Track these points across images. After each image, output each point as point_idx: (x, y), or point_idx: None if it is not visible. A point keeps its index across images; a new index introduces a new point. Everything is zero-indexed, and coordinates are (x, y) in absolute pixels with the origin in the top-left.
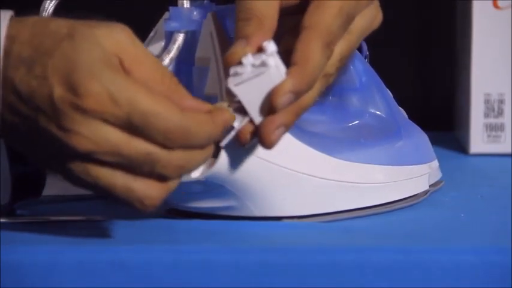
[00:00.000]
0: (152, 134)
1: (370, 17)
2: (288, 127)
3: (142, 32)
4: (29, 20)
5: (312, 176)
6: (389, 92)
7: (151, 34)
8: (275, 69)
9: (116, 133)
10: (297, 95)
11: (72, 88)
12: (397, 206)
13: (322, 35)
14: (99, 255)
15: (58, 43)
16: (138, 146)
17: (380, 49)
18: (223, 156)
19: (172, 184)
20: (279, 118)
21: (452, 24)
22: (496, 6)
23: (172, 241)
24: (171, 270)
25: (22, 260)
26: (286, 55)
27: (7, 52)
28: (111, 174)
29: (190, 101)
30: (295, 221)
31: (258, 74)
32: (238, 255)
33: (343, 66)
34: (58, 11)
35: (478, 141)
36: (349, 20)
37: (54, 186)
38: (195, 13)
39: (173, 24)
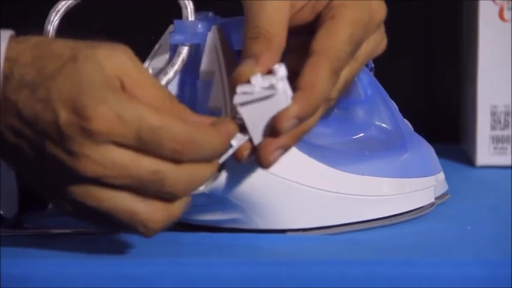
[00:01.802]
0: (162, 148)
1: (375, 43)
2: (286, 149)
3: (147, 45)
4: (30, 41)
5: (317, 188)
6: (394, 104)
7: (156, 47)
8: (283, 93)
9: (124, 154)
10: (301, 120)
11: (79, 112)
12: (402, 218)
13: (331, 62)
14: (105, 268)
15: (61, 66)
16: (146, 165)
17: (385, 61)
18: (228, 170)
19: (177, 208)
20: (280, 141)
21: (458, 36)
22: (502, 18)
23: (177, 254)
24: (177, 283)
25: (28, 272)
26: (290, 75)
27: (8, 74)
28: (114, 196)
29: (192, 117)
30: (300, 233)
31: (266, 96)
32: (244, 269)
33: (345, 90)
34: (62, 25)
35: (485, 154)
36: (358, 46)
37: None
38: (199, 26)
39: (178, 37)
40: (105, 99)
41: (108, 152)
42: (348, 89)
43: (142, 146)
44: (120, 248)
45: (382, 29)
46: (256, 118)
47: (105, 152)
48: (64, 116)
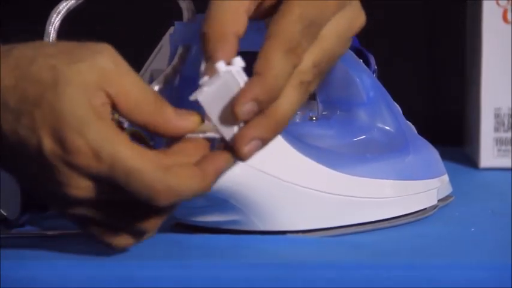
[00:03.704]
0: (135, 192)
1: (347, 20)
2: (264, 142)
3: (148, 47)
4: (10, 60)
5: (318, 190)
6: (397, 106)
7: (157, 48)
8: (230, 76)
9: (100, 188)
10: (260, 104)
11: (61, 143)
12: (405, 220)
13: (283, 42)
14: (108, 270)
15: (42, 92)
16: (117, 204)
17: (388, 63)
18: (226, 172)
19: (145, 237)
20: (252, 132)
21: (461, 38)
22: (505, 20)
23: (179, 256)
24: (178, 285)
25: (30, 275)
26: None
27: None
28: (85, 218)
29: (178, 121)
30: (300, 235)
31: (214, 80)
32: (244, 271)
33: (324, 74)
34: (63, 27)
35: (488, 156)
36: (313, 25)
37: None
38: (200, 27)
39: (178, 39)
40: (85, 132)
41: (90, 182)
42: (352, 83)
43: (117, 184)
44: (124, 250)
45: (356, 6)
46: (217, 110)
47: (88, 182)
48: (48, 145)
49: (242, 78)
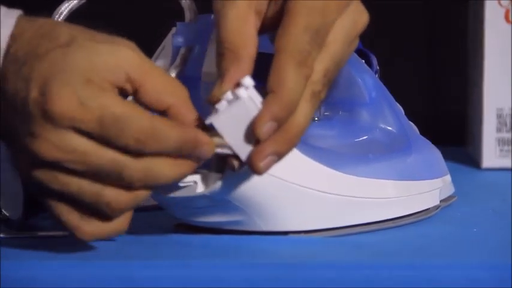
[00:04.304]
0: (124, 137)
1: (351, 21)
2: (280, 156)
3: (150, 48)
4: (38, 21)
5: (320, 191)
6: (399, 106)
7: (159, 49)
8: (249, 100)
9: (85, 142)
10: (279, 121)
11: (44, 92)
12: (407, 220)
13: (293, 56)
14: (108, 270)
15: (52, 48)
16: (105, 154)
17: (390, 64)
18: (229, 172)
19: (142, 194)
20: (268, 148)
21: (463, 38)
22: (507, 20)
23: (181, 256)
24: (179, 285)
25: (31, 275)
26: None
27: (8, 49)
28: (79, 181)
29: (193, 116)
30: (302, 235)
31: (233, 107)
32: (246, 271)
33: (332, 80)
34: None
35: (490, 156)
36: (319, 34)
37: None
38: (202, 28)
39: (180, 39)
40: (71, 84)
41: (67, 137)
42: (355, 84)
43: (105, 133)
44: (123, 251)
45: (358, 6)
46: (233, 133)
47: (65, 137)
48: (33, 95)
49: (258, 99)
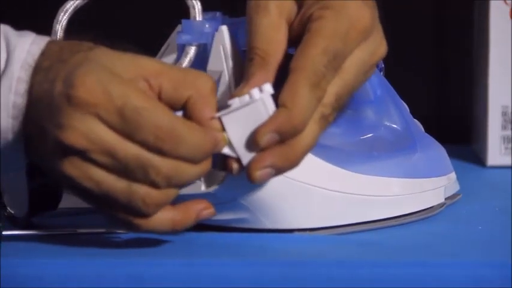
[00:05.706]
0: (143, 131)
1: (368, 51)
2: (278, 170)
3: (155, 45)
4: (67, 42)
5: (325, 188)
6: (404, 104)
7: (164, 47)
8: (262, 105)
9: (110, 134)
10: (282, 135)
11: (69, 81)
12: (412, 218)
13: (309, 77)
14: (116, 268)
15: (75, 53)
16: (130, 149)
17: (395, 62)
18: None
19: (172, 191)
20: (267, 159)
21: (469, 37)
22: None
23: (187, 254)
24: (185, 283)
25: (39, 273)
26: None
27: (36, 67)
28: (111, 177)
29: (210, 110)
30: (308, 233)
31: (244, 106)
32: (252, 269)
33: (343, 104)
34: (71, 25)
35: (495, 154)
36: (337, 58)
37: (71, 198)
38: (207, 26)
39: (185, 37)
40: (95, 73)
41: (94, 126)
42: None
43: (126, 126)
44: (129, 249)
45: (378, 36)
46: (239, 134)
47: (92, 126)
48: (58, 88)
49: (271, 107)
